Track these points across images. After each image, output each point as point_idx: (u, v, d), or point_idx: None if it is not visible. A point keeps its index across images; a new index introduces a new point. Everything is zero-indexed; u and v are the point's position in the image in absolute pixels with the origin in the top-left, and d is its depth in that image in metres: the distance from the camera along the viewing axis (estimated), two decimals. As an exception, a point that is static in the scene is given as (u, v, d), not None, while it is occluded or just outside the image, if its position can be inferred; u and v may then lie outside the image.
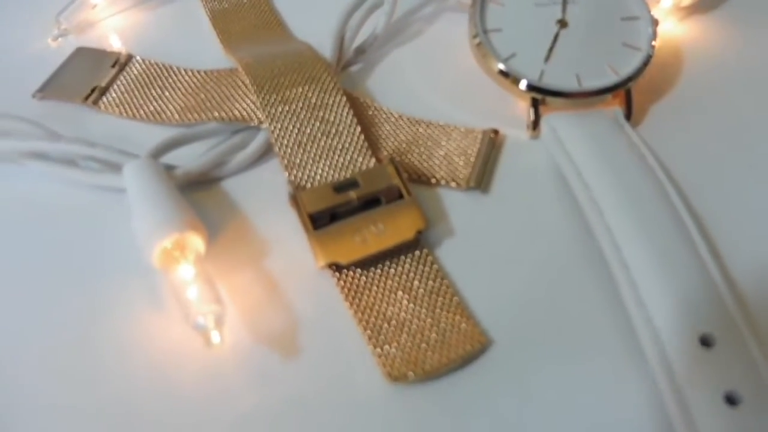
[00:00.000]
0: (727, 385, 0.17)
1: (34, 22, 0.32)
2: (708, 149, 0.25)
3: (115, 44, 0.31)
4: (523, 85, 0.24)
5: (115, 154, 0.23)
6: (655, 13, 0.29)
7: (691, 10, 0.30)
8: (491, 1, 0.27)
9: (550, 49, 0.25)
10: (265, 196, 0.24)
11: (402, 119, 0.26)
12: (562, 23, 0.26)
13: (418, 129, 0.25)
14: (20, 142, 0.24)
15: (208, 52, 0.29)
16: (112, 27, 0.32)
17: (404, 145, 0.25)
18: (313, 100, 0.24)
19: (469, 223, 0.23)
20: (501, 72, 0.25)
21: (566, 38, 0.26)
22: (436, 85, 0.28)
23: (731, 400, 0.17)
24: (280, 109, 0.24)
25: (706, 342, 0.18)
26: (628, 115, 0.25)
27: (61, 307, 0.21)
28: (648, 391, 0.18)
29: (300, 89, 0.25)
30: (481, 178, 0.24)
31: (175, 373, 0.19)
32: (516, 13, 0.26)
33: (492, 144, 0.25)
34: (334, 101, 0.24)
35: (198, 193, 0.24)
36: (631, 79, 0.24)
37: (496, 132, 0.25)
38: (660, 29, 0.27)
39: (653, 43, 0.26)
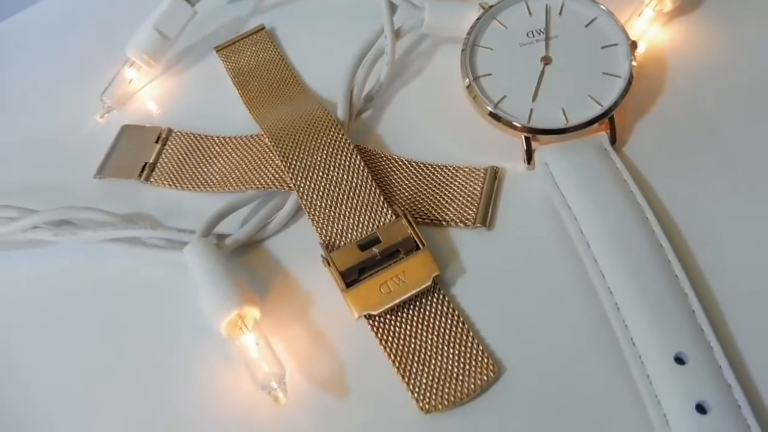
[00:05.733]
0: (697, 397, 0.20)
1: (80, 103, 0.36)
2: (690, 160, 0.27)
3: (155, 113, 0.35)
4: (514, 126, 0.27)
5: (174, 233, 0.28)
6: (639, 22, 0.31)
7: (675, 13, 0.32)
8: (480, 46, 0.29)
9: (537, 88, 0.28)
10: (303, 253, 0.28)
11: (411, 165, 0.29)
12: (546, 60, 0.28)
13: (426, 173, 0.29)
14: (96, 232, 0.28)
15: (234, 109, 0.33)
16: (149, 95, 0.36)
17: (415, 192, 0.28)
18: (333, 165, 0.28)
19: (478, 258, 0.26)
20: (493, 115, 0.28)
21: (551, 74, 0.28)
22: (439, 123, 0.31)
23: (701, 409, 0.20)
24: (304, 175, 0.28)
25: (680, 360, 0.21)
26: (614, 140, 0.28)
27: (145, 368, 0.26)
28: (634, 403, 0.22)
29: (320, 155, 0.28)
30: (485, 216, 0.27)
31: (248, 420, 0.24)
32: (504, 55, 0.29)
33: (493, 181, 0.28)
34: (351, 163, 0.28)
35: (246, 256, 0.28)
36: (612, 108, 0.27)
37: (496, 169, 0.28)
38: (644, 39, 0.30)
39: (632, 65, 0.28)
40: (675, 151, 0.28)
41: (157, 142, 0.33)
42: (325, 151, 0.28)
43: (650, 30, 0.32)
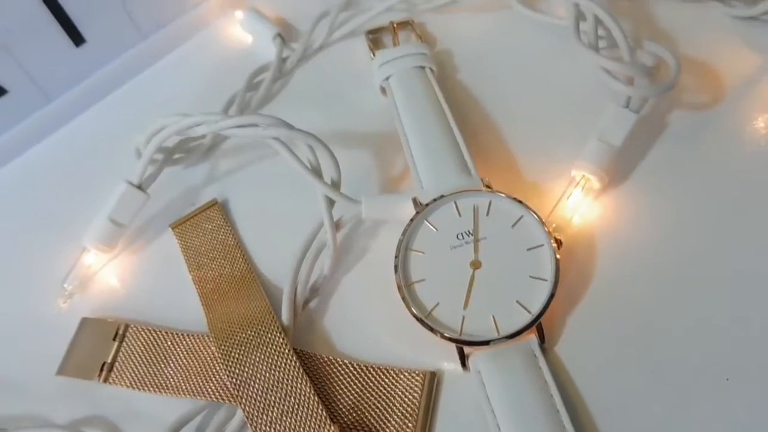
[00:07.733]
0: None
1: (41, 290, 0.37)
2: (617, 360, 0.28)
3: (115, 296, 0.36)
4: (447, 337, 0.28)
5: (128, 454, 0.29)
6: (570, 202, 0.33)
7: (605, 188, 0.33)
8: (413, 250, 0.30)
9: (468, 295, 0.29)
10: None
11: (354, 368, 0.30)
12: (476, 264, 0.30)
13: (367, 377, 0.30)
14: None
15: (190, 291, 0.34)
16: (110, 275, 0.37)
17: (358, 399, 0.29)
18: (276, 379, 0.29)
19: (417, 476, 0.27)
20: (426, 325, 0.29)
21: (480, 279, 0.29)
22: (381, 315, 0.32)
23: None
24: (247, 390, 0.29)
25: None
26: (542, 340, 0.29)
27: None
28: None
29: (264, 369, 0.29)
30: None
31: None
32: (435, 259, 0.30)
33: (431, 389, 0.29)
34: (294, 377, 0.29)
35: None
36: (541, 314, 0.28)
37: (434, 374, 0.29)
38: (578, 214, 0.32)
39: (557, 266, 0.29)
40: (603, 350, 0.29)
41: (114, 339, 0.34)
42: (269, 364, 0.30)
43: (581, 207, 0.33)
